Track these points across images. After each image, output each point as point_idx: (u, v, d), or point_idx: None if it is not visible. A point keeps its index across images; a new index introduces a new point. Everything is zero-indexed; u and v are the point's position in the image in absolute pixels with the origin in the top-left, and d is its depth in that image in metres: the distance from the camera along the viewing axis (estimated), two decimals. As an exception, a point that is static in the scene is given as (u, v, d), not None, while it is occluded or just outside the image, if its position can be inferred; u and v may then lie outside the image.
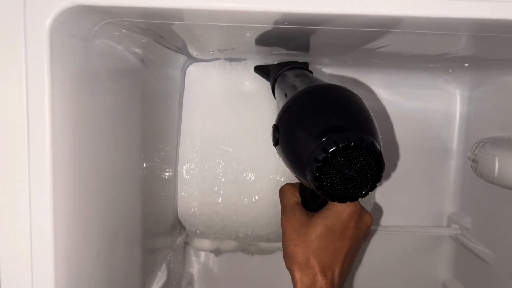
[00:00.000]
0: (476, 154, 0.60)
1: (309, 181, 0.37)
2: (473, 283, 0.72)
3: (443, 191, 0.75)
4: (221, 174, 0.66)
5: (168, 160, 0.62)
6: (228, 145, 0.65)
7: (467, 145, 0.70)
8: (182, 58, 0.62)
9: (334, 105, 0.39)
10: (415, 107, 0.73)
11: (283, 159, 0.42)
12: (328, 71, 0.69)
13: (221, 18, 0.34)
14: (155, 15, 0.34)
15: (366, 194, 0.37)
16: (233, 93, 0.65)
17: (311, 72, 0.56)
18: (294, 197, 0.48)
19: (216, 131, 0.65)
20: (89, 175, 0.36)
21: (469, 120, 0.72)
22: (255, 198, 0.66)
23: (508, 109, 0.63)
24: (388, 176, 0.73)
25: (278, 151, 0.43)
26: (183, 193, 0.66)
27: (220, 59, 0.64)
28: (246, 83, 0.65)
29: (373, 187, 0.37)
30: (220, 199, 0.66)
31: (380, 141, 0.37)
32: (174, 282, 0.69)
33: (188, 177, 0.66)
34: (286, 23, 0.35)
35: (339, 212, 0.43)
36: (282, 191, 0.50)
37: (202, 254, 0.79)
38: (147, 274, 0.56)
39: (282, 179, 0.65)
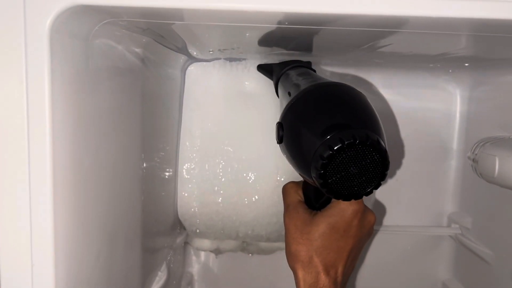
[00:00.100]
0: (476, 154, 0.60)
1: (313, 178, 0.37)
2: (473, 283, 0.72)
3: (443, 190, 0.75)
4: (221, 173, 0.66)
5: (168, 160, 0.62)
6: (228, 144, 0.65)
7: (467, 144, 0.70)
8: (182, 58, 0.62)
9: (339, 103, 0.39)
10: (415, 107, 0.73)
11: (287, 156, 0.42)
12: (328, 71, 0.69)
13: (222, 18, 0.34)
14: (155, 15, 0.34)
15: (371, 192, 0.37)
16: (233, 93, 0.65)
17: (314, 70, 0.56)
18: (297, 195, 0.48)
19: (216, 131, 0.65)
20: (89, 174, 0.36)
21: (469, 120, 0.72)
22: (255, 198, 0.66)
23: (508, 108, 0.63)
24: (388, 175, 0.73)
25: (282, 148, 0.43)
26: (183, 193, 0.66)
27: (220, 59, 0.64)
28: (246, 83, 0.65)
29: (377, 185, 0.37)
30: (220, 198, 0.66)
31: (385, 139, 0.37)
32: (174, 282, 0.69)
33: (188, 176, 0.66)
34: (286, 23, 0.35)
35: (342, 210, 0.43)
36: (285, 189, 0.50)
37: (202, 253, 0.79)
38: (147, 274, 0.56)
39: (283, 179, 0.65)
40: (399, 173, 0.74)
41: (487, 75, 0.68)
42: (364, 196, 0.38)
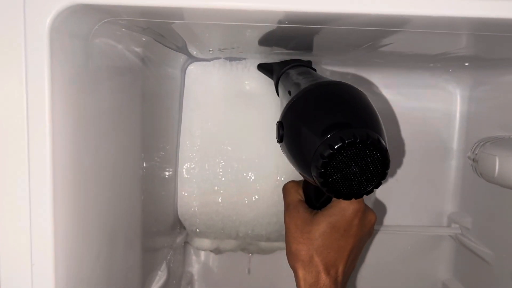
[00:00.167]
0: (476, 154, 0.60)
1: (314, 177, 0.36)
2: (473, 283, 0.72)
3: (443, 190, 0.75)
4: (221, 173, 0.66)
5: (168, 160, 0.62)
6: (228, 144, 0.65)
7: (468, 144, 0.70)
8: (182, 58, 0.62)
9: (340, 102, 0.39)
10: (415, 107, 0.73)
11: (287, 156, 0.42)
12: (329, 71, 0.69)
13: (222, 17, 0.34)
14: (155, 14, 0.33)
15: (372, 191, 0.37)
16: (233, 92, 0.65)
17: (314, 70, 0.56)
18: (298, 195, 0.48)
19: (216, 131, 0.65)
20: (89, 174, 0.36)
21: (469, 120, 0.72)
22: (255, 197, 0.66)
23: (509, 108, 0.63)
24: (388, 175, 0.73)
25: (282, 147, 0.43)
26: (183, 193, 0.66)
27: (220, 58, 0.64)
28: (246, 82, 0.65)
29: (378, 184, 0.37)
30: (220, 198, 0.66)
31: (386, 138, 0.37)
32: (174, 282, 0.69)
33: (188, 176, 0.66)
34: (286, 22, 0.35)
35: (343, 209, 0.43)
36: (286, 188, 0.50)
37: (202, 253, 0.79)
38: (147, 273, 0.56)
39: (283, 179, 0.65)
40: (399, 173, 0.74)
41: (487, 74, 0.68)
42: (364, 195, 0.38)
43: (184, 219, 0.68)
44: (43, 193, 0.31)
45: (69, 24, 0.31)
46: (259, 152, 0.65)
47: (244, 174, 0.65)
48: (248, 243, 0.74)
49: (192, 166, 0.66)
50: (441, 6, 0.31)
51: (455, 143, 0.74)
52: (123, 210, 0.46)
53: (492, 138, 0.61)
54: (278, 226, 0.67)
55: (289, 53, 0.58)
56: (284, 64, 0.56)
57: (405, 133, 0.73)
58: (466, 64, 0.64)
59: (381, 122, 0.38)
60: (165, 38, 0.48)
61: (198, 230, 0.69)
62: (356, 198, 0.37)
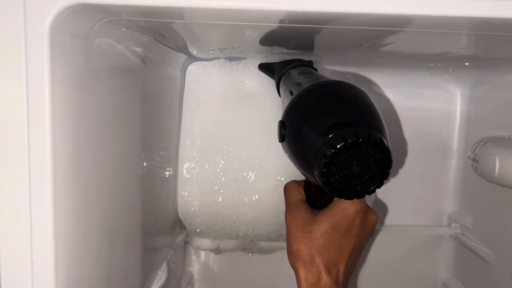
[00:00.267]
0: (476, 153, 0.60)
1: (316, 177, 0.36)
2: (473, 282, 0.72)
3: (444, 190, 0.75)
4: (221, 173, 0.66)
5: (168, 159, 0.62)
6: (229, 144, 0.65)
7: (468, 144, 0.70)
8: (183, 57, 0.62)
9: (342, 101, 0.39)
10: (415, 106, 0.73)
11: (289, 155, 0.42)
12: (329, 70, 0.69)
13: (222, 17, 0.34)
14: (155, 13, 0.33)
15: (374, 191, 0.37)
16: (234, 92, 0.65)
17: (316, 69, 0.56)
18: (299, 194, 0.48)
19: (217, 130, 0.65)
20: (89, 174, 0.36)
21: (469, 119, 0.72)
22: (255, 197, 0.66)
23: (509, 108, 0.63)
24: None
25: (284, 147, 0.43)
26: (183, 192, 0.66)
27: (220, 58, 0.64)
28: (247, 82, 0.65)
29: (380, 184, 0.37)
30: (221, 198, 0.66)
31: (388, 137, 0.37)
32: (174, 281, 0.69)
33: (189, 176, 0.66)
34: (287, 22, 0.35)
35: (344, 209, 0.43)
36: (287, 188, 0.50)
37: (202, 253, 0.79)
38: (147, 273, 0.56)
39: (283, 178, 0.65)
40: (399, 172, 0.74)
41: (487, 74, 0.68)
42: (367, 195, 0.38)
43: (184, 219, 0.68)
44: (43, 193, 0.31)
45: (70, 24, 0.31)
46: (259, 151, 0.65)
47: (244, 174, 0.65)
48: (248, 243, 0.74)
49: (192, 166, 0.66)
50: (441, 6, 0.31)
51: (455, 142, 0.74)
52: (123, 209, 0.46)
53: (492, 137, 0.61)
54: (278, 226, 0.67)
55: (290, 53, 0.58)
56: (285, 64, 0.56)
57: (405, 132, 0.73)
58: (467, 63, 0.64)
59: (383, 122, 0.38)
60: (166, 38, 0.48)
61: (198, 230, 0.69)
62: (358, 198, 0.37)
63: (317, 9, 0.30)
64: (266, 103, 0.64)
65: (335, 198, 0.44)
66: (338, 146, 0.34)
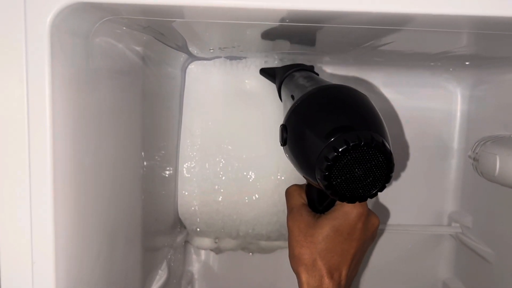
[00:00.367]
0: (477, 153, 0.60)
1: (318, 180, 0.36)
2: (474, 282, 0.72)
3: (444, 189, 0.75)
4: (221, 172, 0.66)
5: (168, 159, 0.62)
6: (229, 143, 0.65)
7: (468, 143, 0.70)
8: (183, 57, 0.62)
9: (344, 105, 0.39)
10: (415, 106, 0.73)
11: (290, 159, 0.42)
12: (329, 69, 0.69)
13: (222, 16, 0.34)
14: (156, 12, 0.33)
15: (376, 194, 0.37)
16: (234, 91, 0.65)
17: (317, 74, 0.56)
18: (301, 198, 0.48)
19: (217, 130, 0.65)
20: (89, 173, 0.36)
21: (469, 119, 0.72)
22: (255, 196, 0.65)
23: (509, 107, 0.62)
24: (389, 174, 0.73)
25: (285, 151, 0.43)
26: (183, 192, 0.66)
27: (220, 57, 0.64)
28: (247, 81, 0.65)
29: (382, 188, 0.37)
30: (221, 197, 0.66)
31: (390, 141, 0.37)
32: (175, 281, 0.69)
33: (189, 175, 0.66)
34: (287, 21, 0.35)
35: (346, 213, 0.43)
36: (288, 192, 0.50)
37: (203, 252, 0.79)
38: (147, 273, 0.56)
39: (283, 178, 0.65)
40: (399, 172, 0.74)
41: (488, 73, 0.68)
42: (369, 198, 0.38)
43: (185, 218, 0.68)
44: (43, 192, 0.31)
45: (70, 23, 0.31)
46: (260, 151, 0.65)
47: (245, 173, 0.65)
48: (249, 242, 0.74)
49: (192, 165, 0.66)
50: (442, 4, 0.31)
51: (455, 142, 0.74)
52: (124, 209, 0.46)
53: (492, 137, 0.61)
54: (279, 225, 0.67)
55: (290, 53, 0.58)
56: (286, 69, 0.57)
57: (406, 132, 0.73)
58: (467, 63, 0.64)
59: (385, 125, 0.38)
60: (166, 37, 0.48)
61: (198, 229, 0.69)
62: (360, 201, 0.37)
63: (319, 7, 0.30)
64: (267, 102, 0.64)
65: (337, 202, 0.44)
66: (340, 150, 0.34)
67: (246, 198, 0.66)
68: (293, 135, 0.40)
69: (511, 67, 0.61)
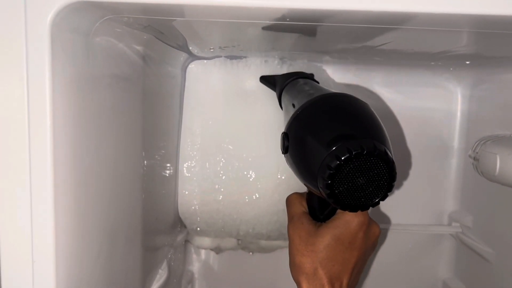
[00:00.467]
0: (477, 152, 0.60)
1: (320, 189, 0.36)
2: (474, 281, 0.72)
3: (444, 189, 0.75)
4: (221, 172, 0.66)
5: (168, 158, 0.62)
6: (229, 143, 0.65)
7: (468, 143, 0.70)
8: (183, 56, 0.62)
9: (346, 113, 0.39)
10: (415, 106, 0.73)
11: (292, 167, 0.42)
12: (329, 69, 0.69)
13: (222, 14, 0.34)
14: (156, 11, 0.33)
15: (378, 203, 0.37)
16: (234, 91, 0.65)
17: (317, 82, 0.56)
18: (302, 207, 0.48)
19: (217, 129, 0.65)
20: (89, 172, 0.36)
21: (470, 118, 0.72)
22: (255, 196, 0.65)
23: (509, 107, 0.62)
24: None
25: (287, 159, 0.43)
26: (183, 191, 0.66)
27: (221, 56, 0.64)
28: (247, 81, 0.65)
29: (384, 196, 0.37)
30: (221, 197, 0.66)
31: (391, 149, 0.37)
32: (175, 280, 0.69)
33: (189, 175, 0.66)
34: (288, 19, 0.35)
35: (348, 222, 0.43)
36: (289, 200, 0.50)
37: (203, 252, 0.79)
38: (147, 272, 0.56)
39: (283, 177, 0.65)
40: (399, 171, 0.73)
41: (488, 73, 0.68)
42: (371, 207, 0.38)
43: (185, 218, 0.68)
44: (44, 192, 0.31)
45: (70, 22, 0.31)
46: (260, 150, 0.65)
47: (245, 173, 0.65)
48: (249, 242, 0.74)
49: (192, 165, 0.66)
50: (442, 3, 0.31)
51: (456, 141, 0.74)
52: (124, 208, 0.46)
53: (493, 136, 0.61)
54: (279, 225, 0.67)
55: (290, 53, 0.58)
56: (287, 77, 0.57)
57: (406, 132, 0.73)
58: (467, 62, 0.64)
59: (387, 134, 0.38)
60: (166, 36, 0.48)
61: (198, 229, 0.69)
62: (362, 210, 0.37)
63: (319, 6, 0.30)
64: (267, 102, 0.64)
65: (338, 211, 0.44)
66: (342, 158, 0.34)
67: (246, 197, 0.66)
68: (295, 143, 0.40)
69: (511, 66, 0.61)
